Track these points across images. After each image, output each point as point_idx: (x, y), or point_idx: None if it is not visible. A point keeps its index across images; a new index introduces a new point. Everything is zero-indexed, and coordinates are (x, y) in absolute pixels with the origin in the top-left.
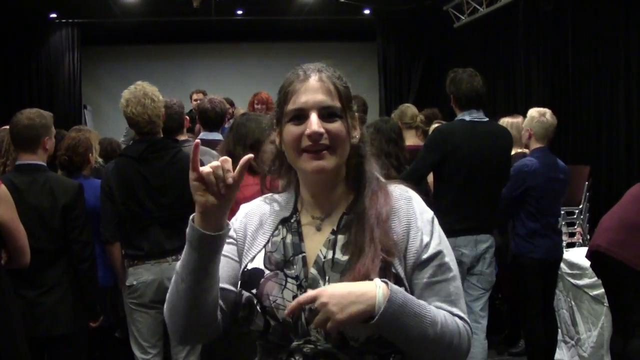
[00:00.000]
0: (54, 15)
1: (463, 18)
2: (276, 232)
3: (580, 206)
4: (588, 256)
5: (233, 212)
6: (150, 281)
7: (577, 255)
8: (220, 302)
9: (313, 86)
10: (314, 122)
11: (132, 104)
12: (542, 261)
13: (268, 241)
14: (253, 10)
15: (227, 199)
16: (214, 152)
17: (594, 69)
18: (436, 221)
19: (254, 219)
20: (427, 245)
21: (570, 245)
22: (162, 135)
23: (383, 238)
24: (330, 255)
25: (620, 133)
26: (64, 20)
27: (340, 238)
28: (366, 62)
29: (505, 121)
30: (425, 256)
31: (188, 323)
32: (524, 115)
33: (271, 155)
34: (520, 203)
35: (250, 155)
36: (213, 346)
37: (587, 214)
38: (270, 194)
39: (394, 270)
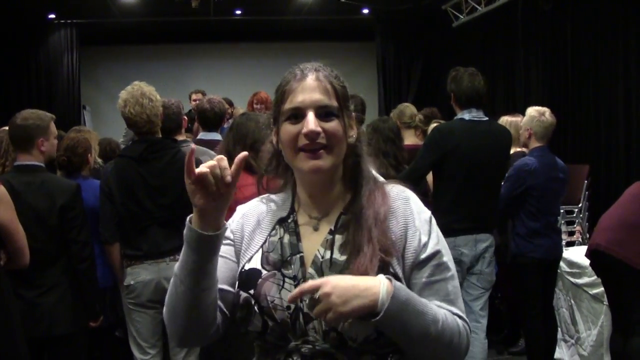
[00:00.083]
0: (52, 15)
1: (462, 17)
2: (273, 232)
3: (580, 205)
4: (588, 255)
5: (232, 211)
6: (148, 281)
7: (576, 254)
8: (220, 303)
9: (310, 85)
10: (311, 121)
11: (130, 104)
12: (542, 260)
13: (265, 241)
14: (252, 10)
15: (226, 198)
16: (212, 152)
17: (593, 68)
18: (434, 221)
19: (251, 219)
20: (425, 245)
21: (570, 244)
22: (160, 135)
23: (381, 238)
24: (328, 255)
25: (619, 132)
26: (62, 21)
27: (338, 238)
28: (365, 62)
29: (504, 120)
30: (423, 256)
31: (188, 325)
32: (523, 114)
33: (268, 154)
34: (520, 202)
35: (245, 153)
36: (212, 346)
37: (587, 213)
38: (267, 194)
39: (392, 270)
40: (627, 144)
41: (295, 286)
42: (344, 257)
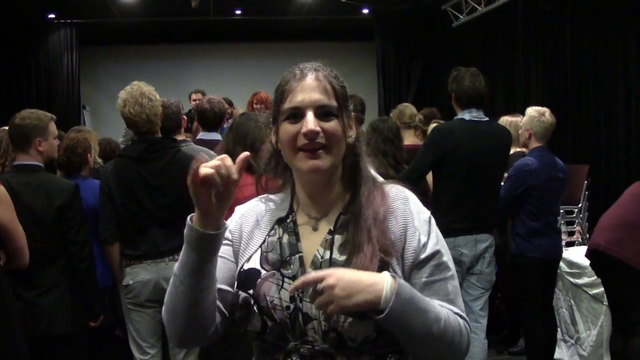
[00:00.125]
0: (52, 15)
1: (462, 17)
2: (272, 231)
3: (580, 205)
4: (587, 255)
5: (230, 211)
6: (147, 281)
7: (576, 254)
8: (219, 303)
9: (310, 85)
10: (310, 121)
11: (129, 104)
12: (542, 260)
13: (264, 241)
14: (251, 10)
15: (228, 197)
16: (211, 152)
17: (593, 68)
18: (433, 221)
19: (250, 219)
20: (425, 245)
21: (570, 244)
22: (160, 135)
23: (381, 238)
24: (327, 255)
25: (619, 132)
26: (62, 21)
27: (338, 238)
28: (365, 62)
29: (504, 120)
30: (423, 256)
31: (188, 325)
32: (523, 114)
33: (267, 154)
34: (521, 202)
35: (247, 153)
36: (212, 346)
37: (586, 213)
38: (265, 195)
39: (391, 270)
40: (627, 144)
41: None
42: (343, 257)
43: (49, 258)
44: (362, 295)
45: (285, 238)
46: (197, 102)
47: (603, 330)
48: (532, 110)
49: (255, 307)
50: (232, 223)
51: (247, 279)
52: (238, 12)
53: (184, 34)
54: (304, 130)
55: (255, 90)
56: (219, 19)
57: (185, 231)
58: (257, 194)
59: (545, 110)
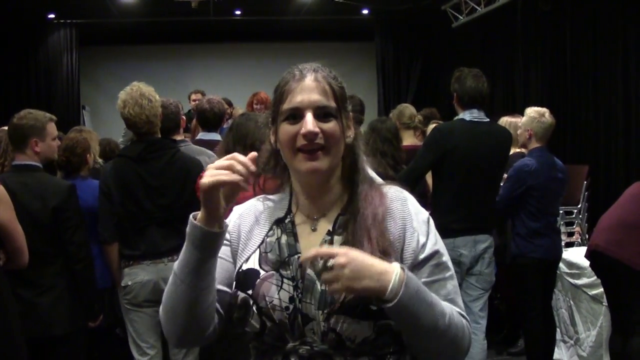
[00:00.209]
0: (52, 15)
1: (461, 18)
2: (270, 232)
3: (579, 206)
4: (587, 256)
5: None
6: (146, 281)
7: (575, 254)
8: (217, 303)
9: (309, 86)
10: (309, 122)
11: (129, 105)
12: (543, 261)
13: (262, 241)
14: (251, 11)
15: (234, 196)
16: (210, 152)
17: (592, 69)
18: (432, 222)
19: (248, 219)
20: (424, 245)
21: (569, 244)
22: (160, 136)
23: (379, 238)
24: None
25: (618, 132)
26: (62, 21)
27: (337, 239)
28: (364, 62)
29: (504, 120)
30: (422, 256)
31: (186, 324)
32: (522, 114)
33: (266, 154)
34: (521, 203)
35: (255, 154)
36: (212, 347)
37: (586, 214)
38: (263, 195)
39: None
40: (626, 144)
41: (294, 287)
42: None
43: (46, 258)
44: (370, 282)
45: (284, 239)
46: (197, 102)
47: (602, 330)
48: (531, 111)
49: (254, 308)
50: (230, 223)
51: (246, 279)
52: (238, 12)
53: (184, 34)
54: (303, 131)
55: (254, 91)
56: (218, 19)
57: (188, 229)
58: (255, 194)
59: (545, 111)
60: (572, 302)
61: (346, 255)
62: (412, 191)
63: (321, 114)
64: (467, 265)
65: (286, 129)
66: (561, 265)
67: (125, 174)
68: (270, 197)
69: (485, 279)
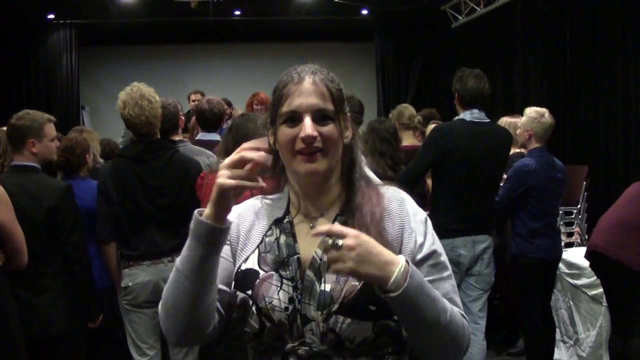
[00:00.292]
0: (51, 15)
1: (461, 18)
2: (269, 232)
3: (579, 206)
4: (587, 256)
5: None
6: (146, 282)
7: (575, 255)
8: (217, 302)
9: (307, 89)
10: (308, 126)
11: (129, 106)
12: (543, 261)
13: (261, 241)
14: (251, 11)
15: (241, 193)
16: (208, 152)
17: (592, 69)
18: (429, 222)
19: (247, 219)
20: (422, 245)
21: (569, 245)
22: (159, 136)
23: (378, 237)
24: (325, 257)
25: (618, 133)
26: (61, 21)
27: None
28: (364, 63)
29: (504, 121)
30: (420, 256)
31: (188, 322)
32: (522, 114)
33: None
34: (521, 203)
35: (262, 154)
36: (212, 347)
37: (586, 214)
38: (261, 195)
39: None
40: (626, 145)
41: (294, 288)
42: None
43: (43, 259)
44: (374, 269)
45: (283, 239)
46: (197, 102)
47: (602, 331)
48: (531, 111)
49: (253, 308)
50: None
51: (245, 279)
52: (237, 12)
53: (184, 34)
54: (301, 135)
55: (254, 91)
56: (218, 19)
57: (192, 226)
58: (252, 194)
59: (545, 111)
60: (571, 303)
61: (357, 237)
62: (411, 191)
63: (319, 117)
64: (466, 265)
65: (285, 131)
66: (561, 265)
67: (124, 174)
68: (269, 197)
69: (485, 279)
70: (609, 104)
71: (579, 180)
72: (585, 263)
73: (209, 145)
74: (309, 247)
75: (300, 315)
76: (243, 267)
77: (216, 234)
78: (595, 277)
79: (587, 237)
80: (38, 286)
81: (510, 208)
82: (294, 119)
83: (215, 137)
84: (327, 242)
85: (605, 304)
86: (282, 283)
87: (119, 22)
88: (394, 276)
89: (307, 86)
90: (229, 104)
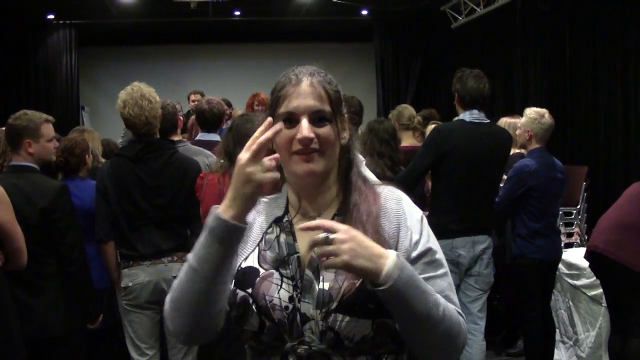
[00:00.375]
0: (51, 16)
1: (460, 18)
2: (270, 229)
3: (578, 206)
4: (586, 257)
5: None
6: (146, 282)
7: (575, 255)
8: None
9: (304, 91)
10: (305, 128)
11: (129, 106)
12: (543, 262)
13: (262, 239)
14: (251, 11)
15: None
16: (207, 152)
17: (592, 70)
18: (425, 220)
19: (247, 217)
20: (417, 242)
21: (568, 245)
22: (158, 137)
23: (374, 235)
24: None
25: (617, 133)
26: (61, 21)
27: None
28: (364, 63)
29: (504, 121)
30: (415, 254)
31: (203, 321)
32: (522, 115)
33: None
34: (521, 204)
35: (277, 126)
36: (211, 347)
37: (585, 215)
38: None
39: None
40: (625, 145)
41: (294, 287)
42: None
43: (40, 260)
44: (366, 262)
45: (283, 237)
46: (196, 103)
47: (602, 331)
48: (531, 112)
49: (253, 307)
50: None
51: (245, 277)
52: (237, 13)
53: (183, 34)
54: (298, 136)
55: (254, 91)
56: (218, 19)
57: (212, 224)
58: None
59: (545, 112)
60: (571, 303)
61: (347, 232)
62: (411, 192)
63: (316, 118)
64: (465, 266)
65: (282, 132)
66: (560, 266)
67: (123, 174)
68: (267, 196)
69: (484, 279)
70: (609, 104)
71: (578, 180)
72: (585, 263)
73: (208, 145)
74: (308, 247)
75: (299, 314)
76: (243, 265)
77: (239, 234)
78: (594, 278)
79: (586, 237)
80: (35, 287)
81: (511, 209)
82: (292, 120)
83: (215, 137)
84: (318, 238)
85: (604, 304)
86: (282, 282)
87: (118, 23)
88: (386, 269)
89: (305, 88)
90: (229, 105)
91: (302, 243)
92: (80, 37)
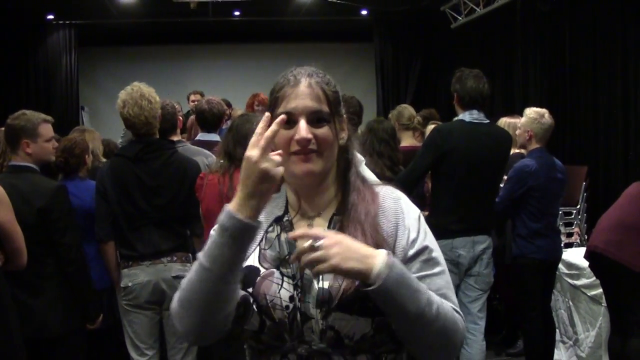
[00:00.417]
0: (51, 16)
1: (460, 19)
2: (270, 228)
3: (578, 206)
4: (586, 256)
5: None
6: (146, 282)
7: (574, 255)
8: None
9: (303, 92)
10: (303, 128)
11: (129, 105)
12: (543, 262)
13: (262, 238)
14: (250, 11)
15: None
16: (207, 152)
17: (591, 69)
18: (422, 218)
19: None
20: (414, 241)
21: (568, 245)
22: (158, 137)
23: (373, 234)
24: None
25: (617, 133)
26: (61, 22)
27: None
28: (363, 63)
29: (503, 121)
30: (411, 252)
31: (211, 320)
32: (521, 115)
33: None
34: (521, 204)
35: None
36: (211, 347)
37: (585, 214)
38: None
39: None
40: (625, 145)
41: (294, 286)
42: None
43: (37, 259)
44: (355, 263)
45: (283, 236)
46: (196, 103)
47: (601, 331)
48: (531, 112)
49: (254, 306)
50: None
51: (246, 277)
52: (237, 13)
53: (183, 34)
54: (296, 137)
55: (254, 92)
56: (217, 19)
57: (226, 222)
58: None
59: (545, 112)
60: (571, 303)
61: (333, 237)
62: (411, 192)
63: (314, 119)
64: (465, 266)
65: (281, 133)
66: (560, 266)
67: (122, 174)
68: None
69: (484, 279)
70: (609, 104)
71: (578, 180)
72: (585, 263)
73: (208, 145)
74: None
75: (300, 313)
76: (243, 264)
77: (253, 233)
78: (594, 278)
79: (586, 237)
80: (34, 287)
81: (511, 209)
82: (290, 121)
83: (214, 137)
84: (303, 248)
85: (604, 304)
86: (283, 281)
87: (118, 23)
88: (376, 268)
89: (303, 89)
90: (229, 105)
91: (302, 242)
92: (80, 37)
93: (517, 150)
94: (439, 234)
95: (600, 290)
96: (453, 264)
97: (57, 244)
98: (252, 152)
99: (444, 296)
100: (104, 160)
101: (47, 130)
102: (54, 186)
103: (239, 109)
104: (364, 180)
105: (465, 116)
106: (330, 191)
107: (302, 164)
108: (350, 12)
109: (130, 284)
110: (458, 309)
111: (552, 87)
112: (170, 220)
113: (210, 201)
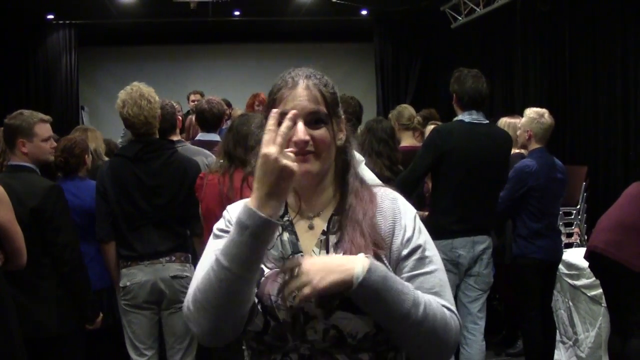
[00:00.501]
0: (51, 16)
1: (460, 19)
2: None
3: (578, 207)
4: (586, 257)
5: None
6: (144, 282)
7: (574, 255)
8: None
9: (300, 94)
10: (300, 130)
11: (128, 105)
12: (543, 262)
13: None
14: (250, 11)
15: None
16: (207, 152)
17: (591, 69)
18: (418, 218)
19: None
20: (409, 239)
21: (568, 245)
22: (158, 137)
23: (371, 232)
24: (325, 255)
25: (617, 133)
26: (61, 21)
27: (332, 238)
28: (363, 63)
29: (503, 121)
30: (406, 251)
31: (229, 320)
32: (522, 115)
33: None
34: (522, 204)
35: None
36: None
37: (585, 215)
38: None
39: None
40: (625, 145)
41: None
42: (340, 256)
43: (34, 259)
44: (334, 275)
45: (286, 236)
46: (196, 103)
47: (601, 331)
48: (531, 112)
49: (259, 307)
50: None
51: None
52: (237, 13)
53: (183, 34)
54: (294, 138)
55: (254, 91)
56: (217, 19)
57: (246, 220)
58: (241, 196)
59: (545, 112)
60: (571, 303)
61: (305, 262)
62: (412, 193)
63: (312, 120)
64: (465, 266)
65: None
66: (560, 266)
67: (122, 174)
68: None
69: (484, 280)
70: (608, 104)
71: (578, 180)
72: (585, 264)
73: (208, 145)
74: (308, 246)
75: (302, 313)
76: None
77: (274, 231)
78: (594, 278)
79: (586, 237)
80: (31, 287)
81: (512, 209)
82: None
83: (214, 137)
84: (280, 284)
85: (604, 304)
86: None
87: (118, 23)
88: (355, 273)
89: (301, 90)
90: (229, 105)
91: (302, 241)
92: (80, 37)
93: (517, 151)
94: (438, 234)
95: (600, 290)
96: (453, 264)
97: (51, 244)
98: (270, 148)
99: (437, 295)
100: (106, 159)
101: (43, 129)
102: (47, 186)
103: (239, 109)
104: (362, 181)
105: (465, 117)
106: (329, 192)
107: (300, 165)
108: (350, 12)
109: (128, 284)
110: (453, 308)
111: (552, 87)
112: (170, 220)
113: (210, 201)
